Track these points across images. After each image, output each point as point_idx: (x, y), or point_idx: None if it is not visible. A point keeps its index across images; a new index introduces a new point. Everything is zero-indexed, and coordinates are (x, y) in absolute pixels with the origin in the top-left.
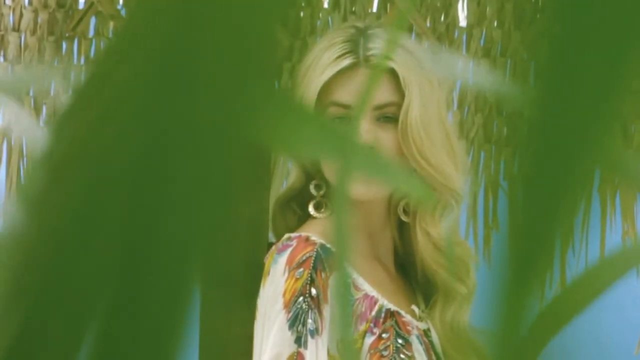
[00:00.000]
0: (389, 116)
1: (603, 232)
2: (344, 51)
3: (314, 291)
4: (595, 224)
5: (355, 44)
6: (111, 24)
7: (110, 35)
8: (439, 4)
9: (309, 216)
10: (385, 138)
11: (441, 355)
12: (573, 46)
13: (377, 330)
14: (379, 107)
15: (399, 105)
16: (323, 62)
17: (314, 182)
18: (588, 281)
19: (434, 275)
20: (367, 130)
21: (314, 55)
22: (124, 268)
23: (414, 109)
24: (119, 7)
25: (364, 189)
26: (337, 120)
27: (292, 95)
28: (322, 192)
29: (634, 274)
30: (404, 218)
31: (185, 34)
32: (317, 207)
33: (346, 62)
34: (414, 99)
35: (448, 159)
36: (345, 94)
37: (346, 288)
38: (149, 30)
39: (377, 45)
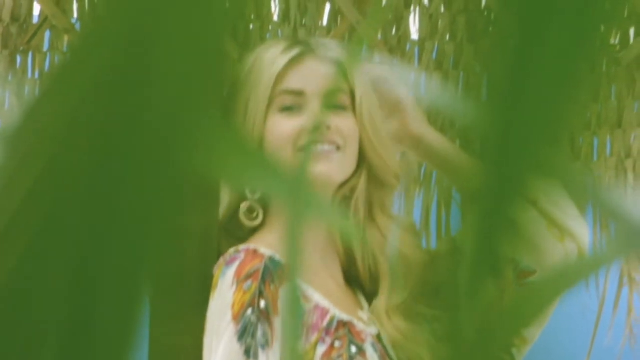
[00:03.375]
0: (342, 105)
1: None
2: (289, 43)
3: (262, 303)
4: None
5: (298, 40)
6: (65, 38)
7: (65, 49)
8: (390, 17)
9: (258, 226)
10: (340, 124)
11: (395, 358)
12: (524, 59)
13: (329, 340)
14: (332, 94)
15: (348, 94)
16: (270, 56)
17: None
18: (537, 292)
19: (380, 268)
20: (323, 119)
21: (257, 56)
22: (76, 282)
23: (365, 96)
24: (73, 21)
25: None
26: (288, 109)
27: (236, 128)
28: (256, 196)
29: (584, 286)
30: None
31: (133, 57)
32: (250, 212)
33: (295, 51)
34: (363, 87)
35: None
36: (295, 81)
37: (297, 301)
38: (96, 54)
39: (320, 41)
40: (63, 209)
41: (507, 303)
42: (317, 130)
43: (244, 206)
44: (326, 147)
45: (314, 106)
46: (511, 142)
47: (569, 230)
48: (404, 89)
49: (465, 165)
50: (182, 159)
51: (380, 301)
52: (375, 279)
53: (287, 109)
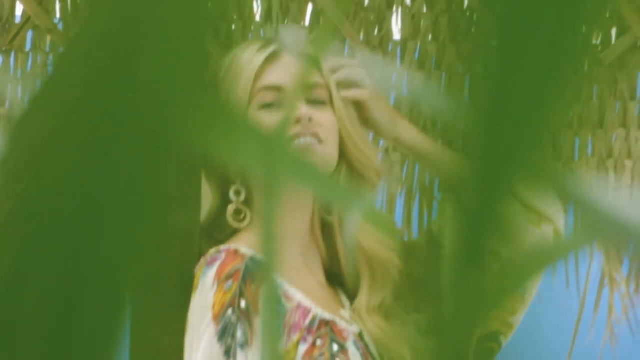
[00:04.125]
0: (321, 100)
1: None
2: (265, 42)
3: (243, 303)
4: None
5: (273, 38)
6: (48, 38)
7: (48, 49)
8: (372, 17)
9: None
10: (320, 118)
11: (377, 356)
12: (507, 59)
13: (310, 339)
14: (309, 87)
15: (325, 89)
16: (247, 55)
17: (233, 188)
18: (509, 273)
19: (361, 265)
20: (303, 112)
21: (233, 57)
22: (64, 282)
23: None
24: (55, 21)
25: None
26: (268, 106)
27: (223, 99)
28: (241, 199)
29: (564, 285)
30: (328, 217)
31: (119, 59)
32: (237, 214)
33: (271, 49)
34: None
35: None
36: (274, 77)
37: (274, 299)
38: (84, 54)
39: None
40: (51, 210)
41: (485, 283)
42: (300, 122)
43: (231, 208)
44: (308, 139)
45: (293, 100)
46: (494, 142)
47: (546, 215)
48: (367, 80)
49: (439, 152)
50: (170, 156)
51: (361, 299)
52: (356, 276)
53: (268, 106)
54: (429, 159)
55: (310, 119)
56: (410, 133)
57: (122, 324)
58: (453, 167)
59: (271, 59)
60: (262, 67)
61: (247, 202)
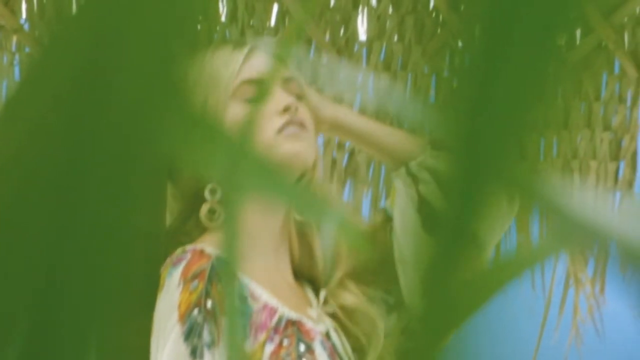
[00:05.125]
0: (298, 94)
1: (498, 245)
2: (235, 43)
3: (209, 303)
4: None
5: (243, 40)
6: (14, 38)
7: (14, 49)
8: (338, 18)
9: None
10: (302, 111)
11: (344, 356)
12: (476, 60)
13: (277, 338)
14: (286, 81)
15: (298, 84)
16: (223, 57)
17: (209, 186)
18: (481, 282)
19: (335, 263)
20: (290, 101)
21: (204, 60)
22: (39, 281)
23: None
24: (22, 21)
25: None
26: (250, 101)
27: (191, 103)
28: (217, 197)
29: (530, 287)
30: (299, 217)
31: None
32: (211, 213)
33: (246, 48)
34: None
35: None
36: (254, 71)
37: (237, 299)
38: (64, 52)
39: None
40: (27, 211)
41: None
42: (288, 110)
43: (205, 207)
44: (296, 128)
45: (275, 90)
46: (463, 144)
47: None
48: (302, 78)
49: (385, 133)
50: (147, 156)
51: (335, 277)
52: (332, 269)
53: (252, 100)
54: (373, 141)
55: (296, 108)
56: (349, 115)
57: (99, 324)
58: (405, 147)
59: (249, 56)
60: (241, 65)
61: (222, 201)
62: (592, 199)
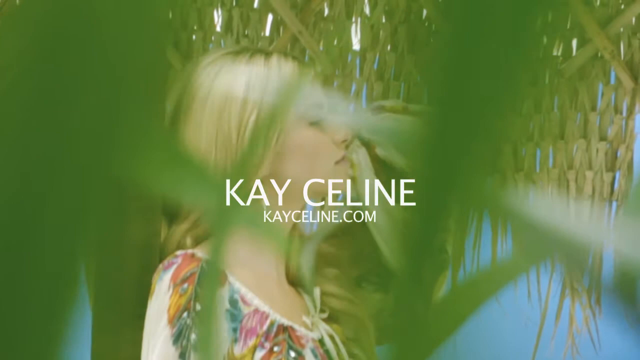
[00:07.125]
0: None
1: (494, 253)
2: (233, 50)
3: (198, 307)
4: (486, 243)
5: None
6: None
7: None
8: (332, 28)
9: None
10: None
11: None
12: (465, 69)
13: (268, 344)
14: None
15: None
16: (225, 69)
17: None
18: (468, 291)
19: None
20: (344, 132)
21: (202, 85)
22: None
23: None
24: None
25: None
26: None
27: (173, 139)
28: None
29: (525, 296)
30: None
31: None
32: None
33: (247, 53)
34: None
35: None
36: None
37: (216, 302)
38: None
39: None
40: None
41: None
42: (345, 142)
43: (190, 218)
44: (346, 160)
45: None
46: (452, 153)
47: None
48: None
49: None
50: (118, 166)
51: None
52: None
53: (314, 123)
54: None
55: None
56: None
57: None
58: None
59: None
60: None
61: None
62: (579, 210)
